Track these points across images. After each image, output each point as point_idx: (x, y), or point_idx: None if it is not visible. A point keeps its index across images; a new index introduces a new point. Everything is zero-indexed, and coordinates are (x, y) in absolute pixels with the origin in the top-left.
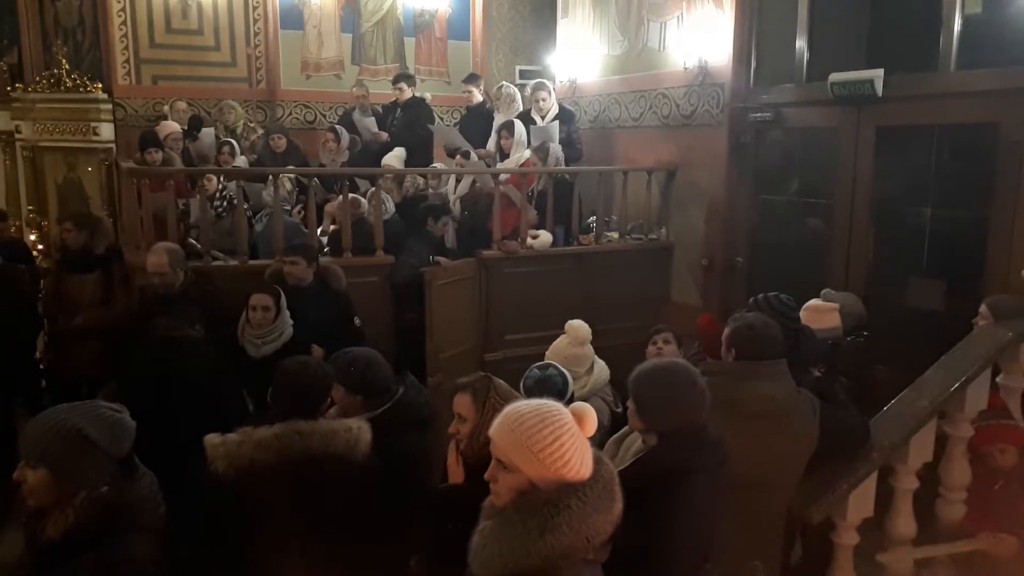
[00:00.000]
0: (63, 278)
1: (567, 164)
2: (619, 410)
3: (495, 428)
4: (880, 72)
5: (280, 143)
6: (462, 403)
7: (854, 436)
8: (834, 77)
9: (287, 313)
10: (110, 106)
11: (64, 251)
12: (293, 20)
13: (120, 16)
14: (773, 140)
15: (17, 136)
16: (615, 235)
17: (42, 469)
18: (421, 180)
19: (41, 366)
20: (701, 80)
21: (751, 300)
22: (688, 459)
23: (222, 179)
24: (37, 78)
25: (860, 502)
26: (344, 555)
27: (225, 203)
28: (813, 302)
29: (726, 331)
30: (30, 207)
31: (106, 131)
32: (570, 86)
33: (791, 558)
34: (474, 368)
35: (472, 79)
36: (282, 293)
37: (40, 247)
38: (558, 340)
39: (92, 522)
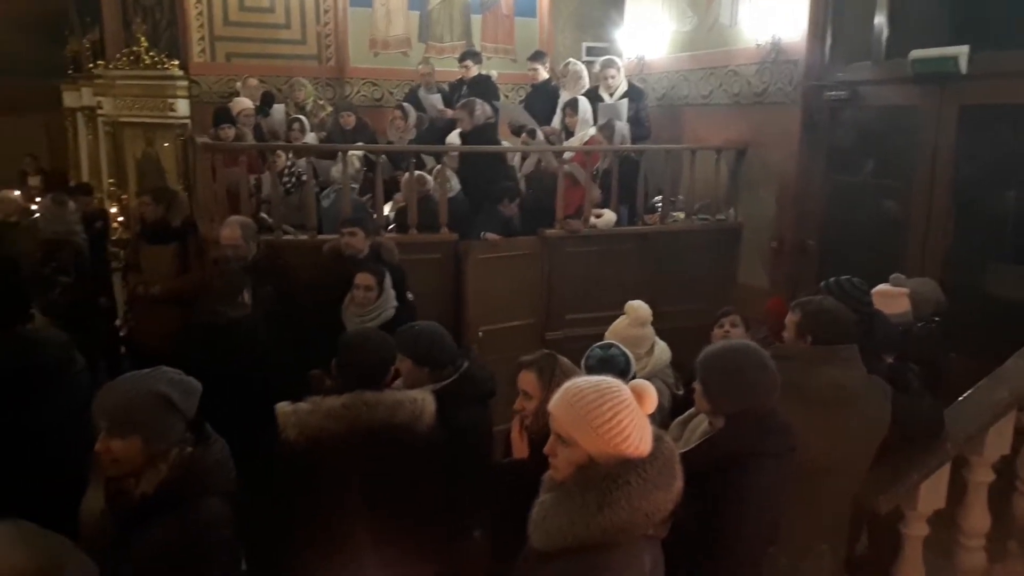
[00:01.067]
0: (142, 249)
1: (634, 143)
2: (680, 392)
3: (555, 403)
4: (965, 49)
5: (349, 120)
6: (527, 380)
7: (927, 425)
8: (915, 54)
9: (391, 293)
10: (186, 83)
11: (143, 224)
12: None
13: None
14: (848, 119)
15: (99, 112)
16: (681, 215)
17: (132, 436)
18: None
19: (121, 333)
20: (774, 57)
21: (822, 284)
22: (756, 443)
23: (290, 156)
24: (117, 55)
25: (931, 493)
26: (407, 524)
27: (293, 179)
28: (882, 287)
29: (795, 315)
30: (111, 180)
31: (182, 107)
32: (638, 63)
33: (857, 548)
34: (533, 346)
35: (538, 56)
36: (386, 273)
37: (120, 219)
38: (618, 320)
39: (178, 481)
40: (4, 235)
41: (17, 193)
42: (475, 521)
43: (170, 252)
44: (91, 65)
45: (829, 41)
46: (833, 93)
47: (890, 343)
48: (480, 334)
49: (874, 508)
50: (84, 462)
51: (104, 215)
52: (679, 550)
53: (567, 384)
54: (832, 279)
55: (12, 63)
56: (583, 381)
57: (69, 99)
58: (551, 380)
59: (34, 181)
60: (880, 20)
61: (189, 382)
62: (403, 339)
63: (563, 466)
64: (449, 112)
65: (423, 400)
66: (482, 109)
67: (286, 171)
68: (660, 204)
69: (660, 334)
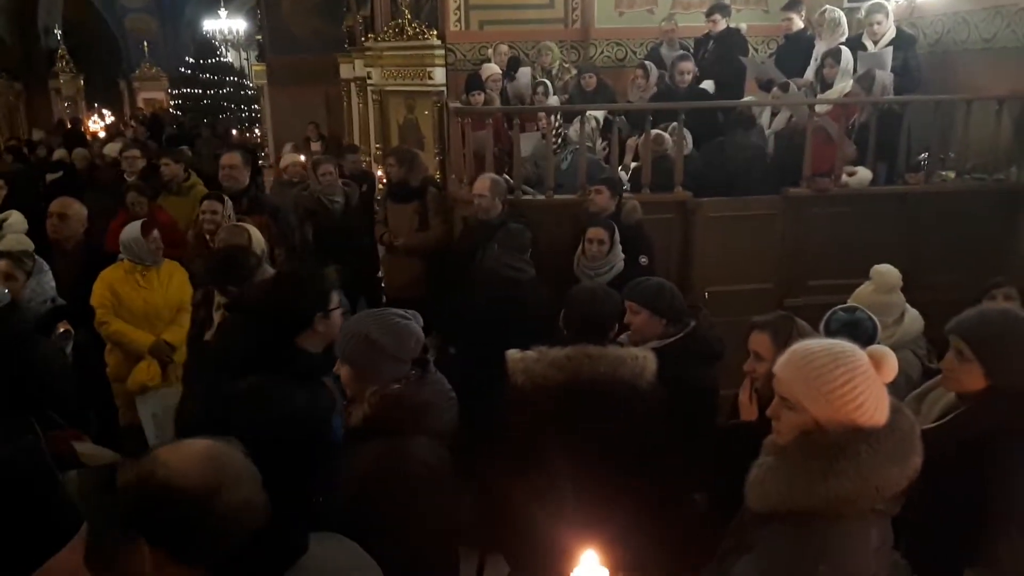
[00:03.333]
0: (388, 207)
1: (901, 94)
2: (933, 366)
3: (781, 364)
4: None
5: (590, 82)
6: (760, 341)
7: None
8: None
9: (619, 247)
10: (442, 51)
11: (388, 183)
12: None
13: None
14: None
15: (368, 82)
16: (951, 174)
17: (345, 366)
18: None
19: (383, 284)
20: None
21: None
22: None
23: (559, 117)
24: (384, 28)
25: None
26: (623, 479)
27: (560, 140)
28: None
29: None
30: (377, 145)
31: (439, 75)
32: (908, 6)
33: None
34: (768, 310)
35: (793, 5)
36: (615, 227)
37: (385, 181)
38: (862, 287)
39: (382, 417)
40: (285, 193)
41: (302, 157)
42: (696, 483)
43: (411, 209)
44: (363, 39)
45: None
46: None
47: None
48: (706, 295)
49: None
50: None
51: (370, 176)
52: (926, 530)
53: (796, 346)
54: None
55: (299, 41)
56: (814, 343)
57: (344, 71)
58: (787, 343)
59: (315, 146)
60: None
61: (407, 326)
62: (642, 290)
63: (786, 430)
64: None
65: (645, 358)
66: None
67: (554, 132)
68: (926, 162)
69: (918, 306)
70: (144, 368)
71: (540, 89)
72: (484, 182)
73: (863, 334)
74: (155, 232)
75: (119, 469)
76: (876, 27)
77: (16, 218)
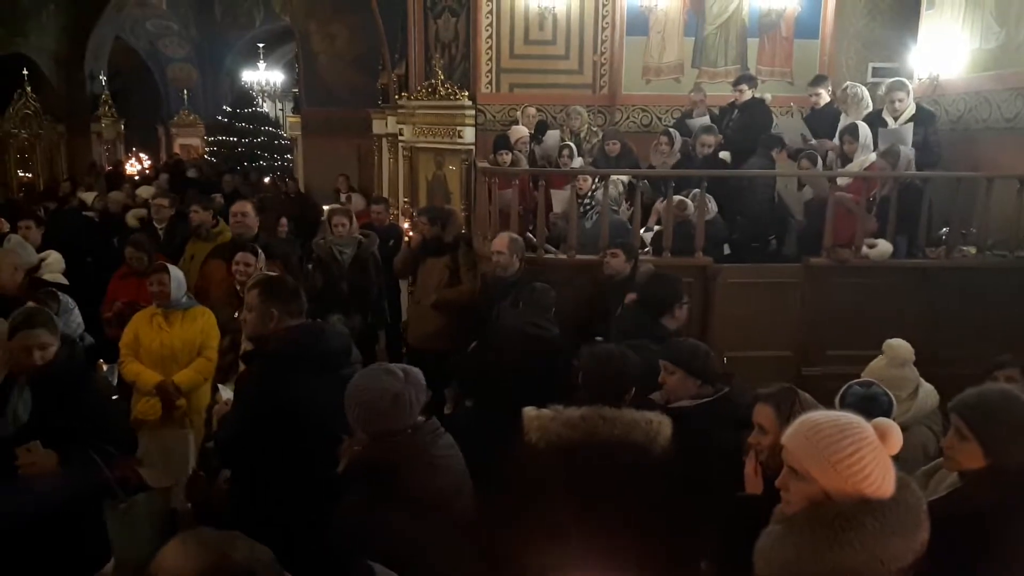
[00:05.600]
0: (420, 261)
1: (921, 169)
2: None
3: (789, 435)
4: None
5: (614, 148)
6: (763, 414)
7: None
8: None
9: None
10: (473, 112)
11: (422, 240)
12: (639, 27)
13: (488, 31)
14: None
15: (400, 138)
16: (972, 250)
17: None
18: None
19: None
20: None
21: None
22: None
23: (596, 180)
24: (418, 87)
25: None
26: (627, 542)
27: (592, 203)
28: None
29: None
30: (405, 198)
31: (468, 134)
32: (930, 83)
33: None
34: (786, 378)
35: (819, 81)
36: None
37: (411, 234)
38: (875, 361)
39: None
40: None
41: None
42: (704, 550)
43: (441, 264)
44: (396, 96)
45: None
46: None
47: None
48: (724, 360)
49: None
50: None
51: (397, 230)
52: None
53: (803, 417)
54: None
55: (335, 95)
56: (820, 415)
57: (377, 126)
58: (789, 416)
59: (344, 198)
60: None
61: (400, 394)
62: (678, 350)
63: (796, 500)
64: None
65: (660, 423)
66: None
67: (588, 194)
68: (946, 236)
69: (937, 381)
70: (144, 400)
71: (566, 152)
72: (503, 239)
73: (878, 409)
74: None
75: None
76: (897, 104)
77: (54, 258)
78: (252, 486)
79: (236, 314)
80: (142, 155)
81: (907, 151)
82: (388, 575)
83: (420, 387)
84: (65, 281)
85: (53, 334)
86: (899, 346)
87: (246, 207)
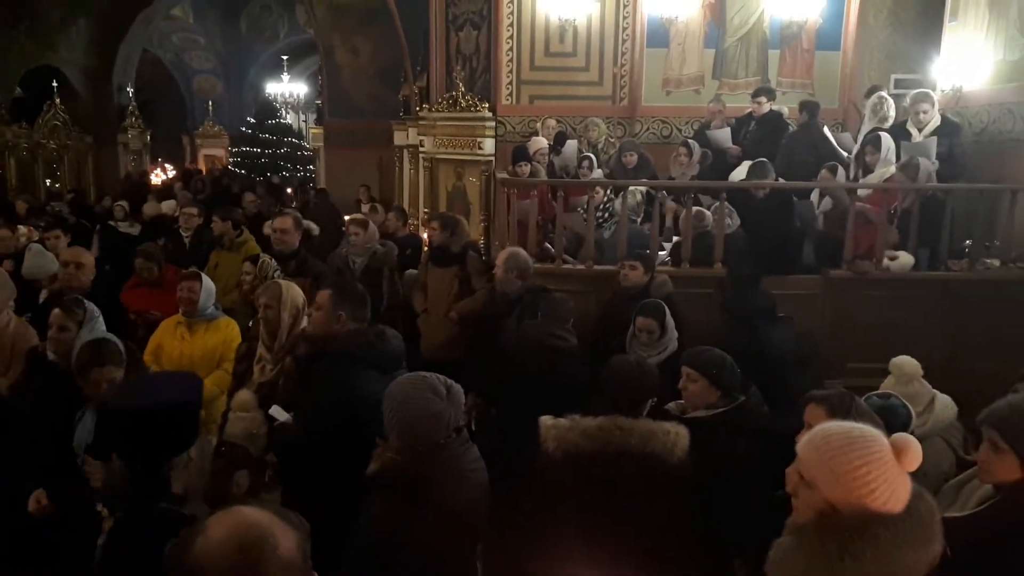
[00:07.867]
0: (428, 270)
1: (945, 181)
2: (969, 457)
3: (802, 442)
4: None
5: (631, 160)
6: (815, 414)
7: None
8: None
9: (674, 332)
10: (493, 123)
11: (430, 246)
12: (659, 38)
13: (508, 43)
14: None
15: (420, 149)
16: (996, 262)
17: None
18: None
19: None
20: None
21: None
22: None
23: (609, 192)
24: (439, 99)
25: None
26: (643, 551)
27: (607, 215)
28: None
29: None
30: (425, 209)
31: (488, 146)
32: (954, 95)
33: None
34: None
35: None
36: (667, 311)
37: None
38: (884, 382)
39: (387, 480)
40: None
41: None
42: (737, 552)
43: (450, 274)
44: (418, 108)
45: None
46: None
47: None
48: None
49: None
50: None
51: (417, 241)
52: None
53: (818, 426)
54: None
55: (357, 107)
56: (834, 425)
57: (398, 137)
58: (844, 420)
59: (365, 208)
60: None
61: (429, 403)
62: (704, 359)
63: (803, 508)
64: (735, 149)
65: (677, 433)
66: None
67: (602, 206)
68: (969, 249)
69: (959, 393)
70: None
71: (585, 163)
72: (501, 256)
73: (896, 421)
74: None
75: None
76: (922, 116)
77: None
78: (311, 486)
79: (250, 323)
80: (167, 165)
81: (926, 164)
82: None
83: (460, 406)
84: None
85: (119, 366)
86: (904, 363)
87: (287, 222)
